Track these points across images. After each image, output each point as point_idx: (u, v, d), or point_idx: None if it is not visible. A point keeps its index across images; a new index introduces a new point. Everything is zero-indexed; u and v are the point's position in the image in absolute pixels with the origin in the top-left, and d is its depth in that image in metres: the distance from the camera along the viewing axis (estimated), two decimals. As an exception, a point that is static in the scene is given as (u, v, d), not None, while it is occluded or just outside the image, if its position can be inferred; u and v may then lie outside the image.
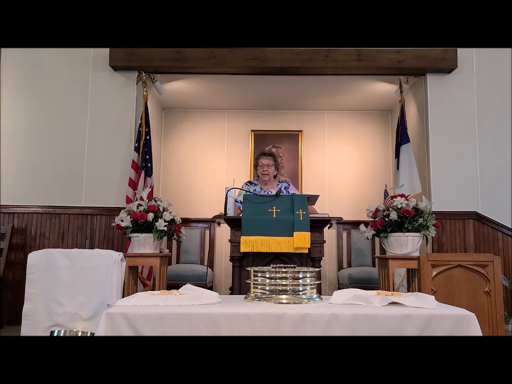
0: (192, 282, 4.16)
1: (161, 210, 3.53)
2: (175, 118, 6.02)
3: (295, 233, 3.06)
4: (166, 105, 5.88)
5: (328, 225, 3.39)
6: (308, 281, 1.97)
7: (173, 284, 4.33)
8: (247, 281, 2.09)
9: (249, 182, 4.09)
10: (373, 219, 3.51)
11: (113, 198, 4.46)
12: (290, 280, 1.94)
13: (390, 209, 3.41)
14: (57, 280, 2.64)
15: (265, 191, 3.88)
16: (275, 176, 4.06)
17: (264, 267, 2.00)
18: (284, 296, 1.91)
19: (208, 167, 5.94)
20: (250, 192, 3.67)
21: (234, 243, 3.25)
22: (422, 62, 4.48)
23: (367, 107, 5.91)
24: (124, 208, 3.95)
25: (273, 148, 5.83)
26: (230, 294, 3.54)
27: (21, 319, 2.61)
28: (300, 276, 1.96)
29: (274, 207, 3.18)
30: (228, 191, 3.42)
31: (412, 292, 2.47)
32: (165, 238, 3.58)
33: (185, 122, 6.02)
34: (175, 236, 3.64)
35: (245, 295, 2.06)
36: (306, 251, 3.09)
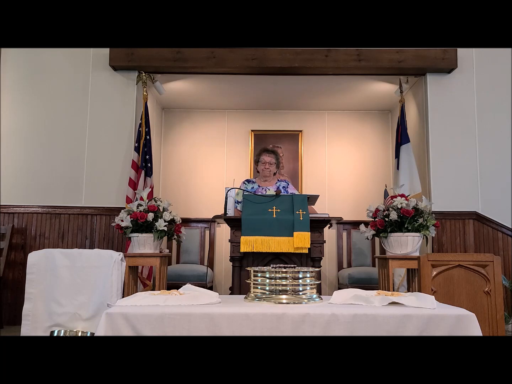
0: (192, 282, 4.18)
1: (161, 210, 3.53)
2: (175, 118, 6.02)
3: (295, 233, 3.06)
4: (166, 105, 5.88)
5: (328, 225, 3.38)
6: (308, 281, 1.97)
7: (173, 284, 4.33)
8: (247, 281, 2.09)
9: (247, 180, 4.05)
10: (373, 219, 3.51)
11: (113, 198, 4.45)
12: (290, 280, 1.94)
13: (390, 209, 3.41)
14: (57, 280, 2.64)
15: (263, 188, 3.87)
16: (274, 174, 4.05)
17: (264, 267, 2.00)
18: (284, 296, 1.91)
19: (208, 167, 5.93)
20: (248, 191, 3.66)
21: (234, 243, 3.25)
22: (422, 62, 4.48)
23: (367, 107, 5.91)
24: (124, 208, 3.95)
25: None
26: (230, 294, 3.54)
27: (21, 319, 2.61)
28: (300, 276, 1.96)
29: (274, 207, 3.18)
30: (228, 191, 3.42)
31: (412, 292, 2.47)
32: (165, 238, 3.58)
33: (185, 122, 6.02)
34: (175, 236, 3.64)
35: (245, 295, 2.06)
36: (306, 251, 3.10)
